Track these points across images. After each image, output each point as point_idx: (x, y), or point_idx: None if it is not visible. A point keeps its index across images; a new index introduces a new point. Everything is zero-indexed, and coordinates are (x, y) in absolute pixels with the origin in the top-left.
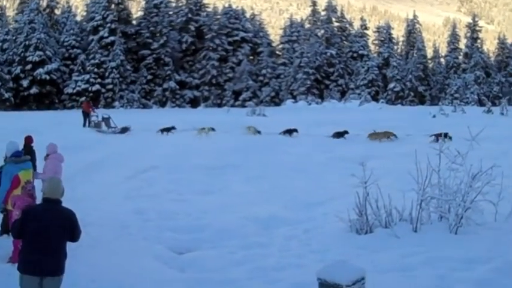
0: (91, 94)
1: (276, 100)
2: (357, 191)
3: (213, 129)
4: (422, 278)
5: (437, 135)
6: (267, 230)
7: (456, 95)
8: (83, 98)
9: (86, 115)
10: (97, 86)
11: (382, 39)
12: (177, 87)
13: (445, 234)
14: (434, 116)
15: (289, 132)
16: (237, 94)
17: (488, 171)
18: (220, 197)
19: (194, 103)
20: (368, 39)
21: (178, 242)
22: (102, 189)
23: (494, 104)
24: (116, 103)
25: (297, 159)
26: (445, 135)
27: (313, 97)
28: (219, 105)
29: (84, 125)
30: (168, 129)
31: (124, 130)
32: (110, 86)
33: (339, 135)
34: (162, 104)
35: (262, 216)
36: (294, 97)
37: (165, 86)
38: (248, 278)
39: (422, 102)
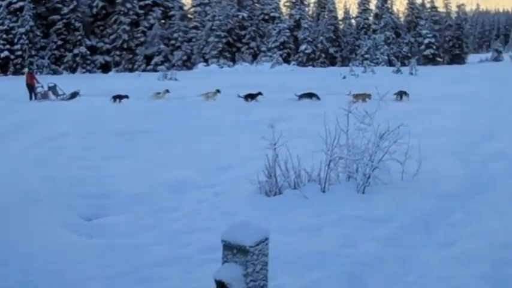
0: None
1: (188, 64)
2: (267, 154)
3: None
4: (328, 237)
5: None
6: (177, 195)
7: (366, 56)
8: (26, 69)
9: (31, 87)
10: (6, 53)
11: (294, 1)
12: (88, 52)
13: (353, 193)
14: (344, 77)
15: (252, 96)
16: (148, 58)
17: (395, 130)
18: (130, 162)
19: (105, 68)
20: (279, 1)
21: (87, 209)
22: (10, 157)
23: (403, 64)
24: (25, 69)
25: (209, 123)
26: (404, 93)
27: (225, 60)
28: (131, 70)
29: (31, 98)
30: (121, 97)
31: (74, 95)
32: (19, 53)
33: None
34: (73, 70)
35: (173, 181)
36: (206, 60)
37: (76, 51)
38: (157, 243)
39: (333, 63)
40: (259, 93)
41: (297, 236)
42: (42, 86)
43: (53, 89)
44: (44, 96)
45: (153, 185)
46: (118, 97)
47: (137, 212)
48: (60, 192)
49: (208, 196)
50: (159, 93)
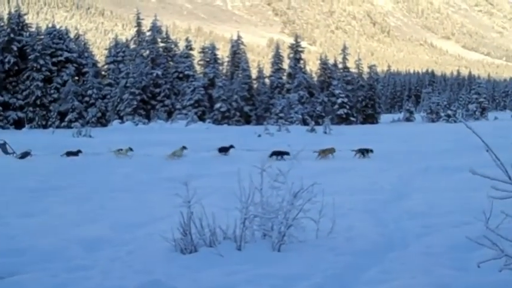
0: None
1: (102, 121)
2: (181, 211)
3: (131, 149)
4: None
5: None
6: (90, 252)
7: (281, 115)
8: None
9: None
10: None
11: (208, 59)
12: (0, 108)
13: (268, 251)
14: (259, 136)
15: (225, 150)
16: (62, 115)
17: (309, 189)
18: (43, 219)
19: (18, 124)
20: (194, 59)
21: None
22: None
23: (317, 123)
24: None
25: (123, 180)
26: (367, 150)
27: (140, 117)
28: (45, 127)
29: None
30: (74, 153)
31: (24, 155)
32: None
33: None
34: None
35: (86, 238)
36: (121, 118)
37: None
38: None
39: (248, 121)
40: (231, 146)
41: None
42: None
43: (2, 146)
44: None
45: (65, 243)
46: (71, 153)
47: (50, 269)
48: None
49: (121, 254)
50: (121, 149)
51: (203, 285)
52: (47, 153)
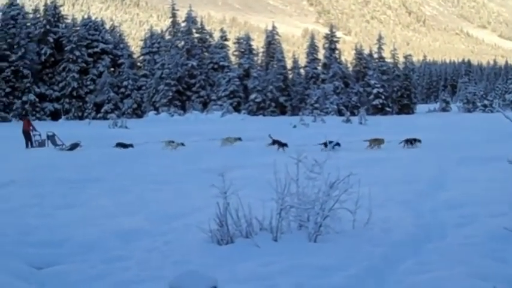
0: None
1: (138, 112)
2: (218, 202)
3: (182, 144)
4: (280, 286)
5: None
6: (128, 243)
7: (316, 105)
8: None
9: (27, 134)
10: None
11: (243, 50)
12: (37, 99)
13: (305, 242)
14: (295, 126)
15: (281, 145)
16: (98, 106)
17: (345, 179)
18: (81, 210)
19: (55, 116)
20: (228, 50)
21: (38, 257)
22: None
23: (353, 114)
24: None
25: (160, 171)
26: (415, 140)
27: (175, 108)
28: (81, 118)
29: (27, 145)
30: (125, 146)
31: (74, 147)
32: None
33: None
34: (22, 117)
35: (124, 229)
36: (156, 109)
37: (25, 98)
38: None
39: (283, 112)
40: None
41: (249, 284)
42: (39, 134)
43: (51, 138)
44: (42, 144)
45: (104, 234)
46: (123, 145)
47: (88, 260)
48: (9, 240)
49: (159, 245)
50: (172, 141)
51: (240, 276)
52: (89, 144)
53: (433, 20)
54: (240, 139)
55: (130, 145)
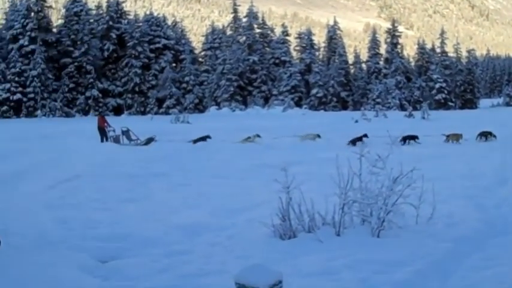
0: (12, 103)
1: (199, 107)
2: (280, 197)
3: (258, 135)
4: (344, 281)
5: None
6: (191, 238)
7: (378, 100)
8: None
9: (102, 131)
10: (18, 95)
11: (304, 45)
12: (100, 95)
13: (368, 237)
14: (356, 121)
15: (358, 139)
16: (160, 101)
17: (408, 174)
18: (144, 205)
19: (117, 111)
20: (290, 45)
21: (102, 251)
22: (23, 199)
23: (415, 109)
24: (38, 112)
25: (221, 166)
26: (489, 133)
27: (236, 104)
28: (143, 113)
29: (102, 141)
30: (203, 139)
31: (149, 141)
32: (32, 95)
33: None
34: (85, 113)
35: (186, 224)
36: (218, 104)
37: (88, 94)
38: (171, 286)
39: (345, 107)
40: (365, 135)
41: (313, 279)
42: (114, 130)
43: (126, 133)
44: (116, 140)
45: (166, 228)
46: (201, 139)
47: (151, 254)
48: (74, 234)
49: (221, 239)
50: (249, 137)
51: (303, 270)
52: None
53: (497, 14)
54: (319, 136)
55: (208, 136)
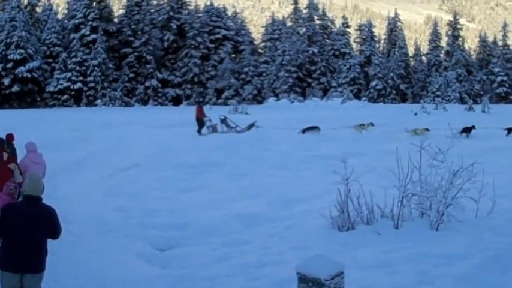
0: (73, 92)
1: (258, 98)
2: (339, 188)
3: (372, 124)
4: (403, 273)
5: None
6: (249, 227)
7: (438, 93)
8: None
9: (201, 121)
10: (79, 84)
11: (364, 37)
12: (159, 85)
13: (427, 230)
14: (416, 114)
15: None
16: (219, 92)
17: (469, 168)
18: (202, 194)
19: (176, 101)
20: (350, 37)
21: (160, 239)
22: (83, 187)
23: (475, 102)
24: (98, 101)
25: (279, 157)
26: None
27: (295, 95)
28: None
29: (200, 132)
30: (312, 128)
31: (250, 127)
32: (92, 84)
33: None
34: (144, 102)
35: (244, 214)
36: (277, 95)
37: (147, 84)
38: (229, 275)
39: (404, 100)
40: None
41: (372, 271)
42: (210, 120)
43: (224, 121)
44: (214, 129)
45: (224, 217)
46: (310, 128)
47: (210, 243)
48: (133, 222)
49: (279, 230)
50: (363, 124)
51: (362, 262)
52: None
53: None
54: (427, 130)
55: (317, 127)
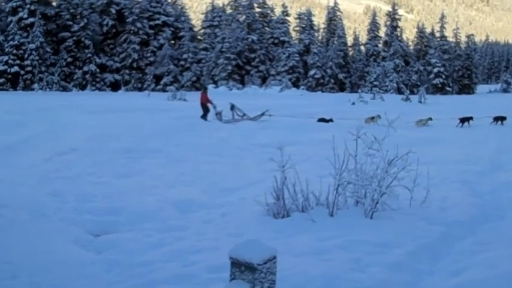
0: (9, 76)
1: (197, 85)
2: (275, 176)
3: (379, 116)
4: (336, 261)
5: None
6: (184, 214)
7: (375, 83)
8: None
9: (205, 107)
10: (16, 68)
11: (303, 26)
12: (98, 70)
13: (361, 218)
14: (353, 103)
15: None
16: (158, 78)
17: (404, 157)
18: (139, 180)
19: (115, 87)
20: (289, 25)
21: (95, 224)
22: (18, 172)
23: (412, 92)
24: (35, 85)
25: (217, 144)
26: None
27: (234, 82)
28: (140, 89)
29: (205, 118)
30: (326, 120)
31: (262, 115)
32: (29, 68)
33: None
34: (82, 87)
35: (180, 200)
36: (215, 82)
37: (86, 69)
38: (164, 261)
39: (342, 89)
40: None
41: (305, 258)
42: (214, 107)
43: (233, 109)
44: (220, 116)
45: (160, 204)
46: (324, 120)
47: (145, 229)
48: (69, 207)
49: (215, 216)
50: (373, 117)
51: (296, 249)
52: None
53: (497, 0)
54: (430, 119)
55: (331, 120)
